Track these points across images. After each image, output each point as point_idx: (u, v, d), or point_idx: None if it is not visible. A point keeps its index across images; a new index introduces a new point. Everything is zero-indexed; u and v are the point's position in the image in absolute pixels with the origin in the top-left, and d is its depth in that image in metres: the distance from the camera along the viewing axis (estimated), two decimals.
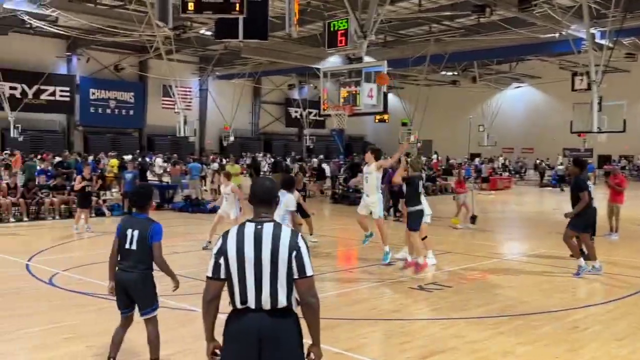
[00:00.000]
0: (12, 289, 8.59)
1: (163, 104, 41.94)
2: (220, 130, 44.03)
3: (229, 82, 41.90)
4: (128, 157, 25.20)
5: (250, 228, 3.39)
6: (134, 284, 5.20)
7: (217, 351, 3.46)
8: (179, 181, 20.78)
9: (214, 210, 17.61)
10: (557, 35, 25.14)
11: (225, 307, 3.47)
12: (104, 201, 18.06)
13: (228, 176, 12.02)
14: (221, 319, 3.46)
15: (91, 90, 39.70)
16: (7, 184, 15.92)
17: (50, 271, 9.58)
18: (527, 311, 7.82)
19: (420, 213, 10.08)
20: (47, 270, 9.62)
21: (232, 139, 41.75)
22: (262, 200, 3.50)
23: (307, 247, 3.44)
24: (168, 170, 23.98)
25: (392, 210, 17.36)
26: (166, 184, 21.15)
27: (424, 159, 20.99)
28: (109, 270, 5.38)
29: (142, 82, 41.59)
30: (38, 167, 18.76)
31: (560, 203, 24.36)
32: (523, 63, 39.35)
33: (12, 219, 15.27)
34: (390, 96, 42.01)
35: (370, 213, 10.50)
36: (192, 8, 14.95)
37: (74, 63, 38.35)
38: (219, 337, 3.48)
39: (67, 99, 38.37)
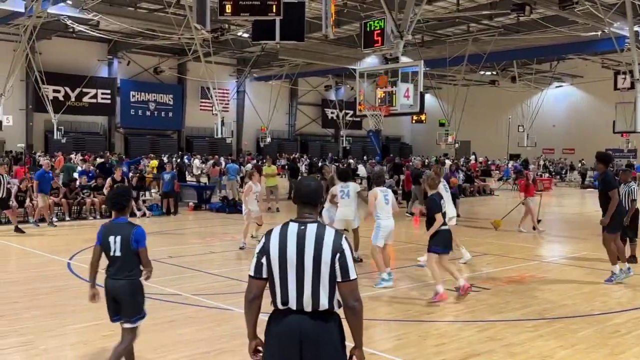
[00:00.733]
0: (55, 288, 8.82)
1: (201, 105, 42.53)
2: (257, 132, 44.39)
3: (266, 83, 42.25)
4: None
5: (293, 228, 3.34)
6: (122, 292, 5.04)
7: (260, 348, 3.44)
8: (218, 182, 21.00)
9: None
10: (599, 33, 24.58)
11: (267, 306, 3.46)
12: (144, 201, 18.38)
13: (260, 172, 12.09)
14: (262, 318, 3.45)
15: (131, 92, 40.53)
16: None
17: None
18: (566, 314, 7.66)
19: (445, 234, 8.49)
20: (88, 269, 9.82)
21: (268, 140, 42.06)
22: (307, 201, 3.45)
23: (351, 250, 3.37)
24: (205, 171, 24.26)
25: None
26: (204, 185, 21.41)
27: (449, 163, 20.69)
28: (89, 278, 5.24)
29: (181, 84, 42.23)
30: (79, 168, 19.19)
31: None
32: (564, 62, 38.55)
33: (55, 219, 15.66)
34: (428, 96, 41.73)
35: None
36: (230, 10, 15.13)
37: (114, 66, 39.20)
38: (261, 335, 3.47)
39: (108, 101, 39.27)
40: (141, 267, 5.13)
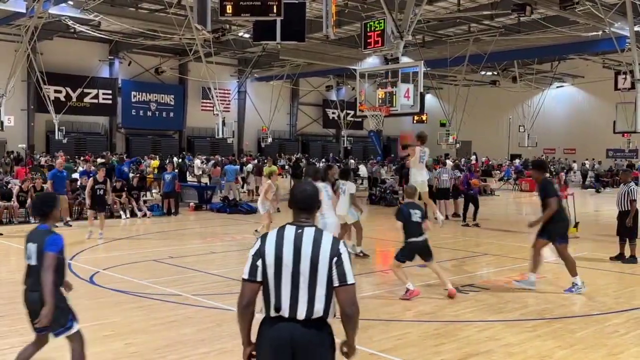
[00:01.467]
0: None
1: (202, 106, 42.56)
2: (258, 132, 44.42)
3: (267, 83, 42.27)
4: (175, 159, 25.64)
5: (290, 231, 3.29)
6: (38, 305, 4.63)
7: (254, 353, 3.38)
8: (218, 182, 21.04)
9: (252, 210, 17.89)
10: (599, 33, 24.58)
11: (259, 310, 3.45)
12: (145, 202, 18.42)
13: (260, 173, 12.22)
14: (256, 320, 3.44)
15: (132, 92, 40.57)
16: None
17: (92, 270, 9.84)
18: (565, 314, 7.69)
19: (411, 246, 8.46)
20: (89, 269, 9.88)
21: (270, 140, 42.09)
22: (303, 207, 3.39)
23: (349, 254, 3.33)
24: (207, 171, 24.30)
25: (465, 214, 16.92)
26: (205, 185, 21.44)
27: (450, 163, 20.57)
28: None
29: (182, 84, 42.27)
30: (81, 169, 19.22)
31: (600, 205, 23.86)
32: (565, 62, 38.55)
33: (69, 218, 15.71)
34: (429, 96, 41.80)
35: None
36: (230, 11, 15.17)
37: (116, 66, 39.25)
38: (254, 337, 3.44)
39: (110, 101, 39.31)
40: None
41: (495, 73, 39.41)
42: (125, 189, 17.56)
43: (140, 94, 40.92)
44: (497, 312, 7.77)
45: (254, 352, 3.39)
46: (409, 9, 14.25)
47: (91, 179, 13.97)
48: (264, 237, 3.37)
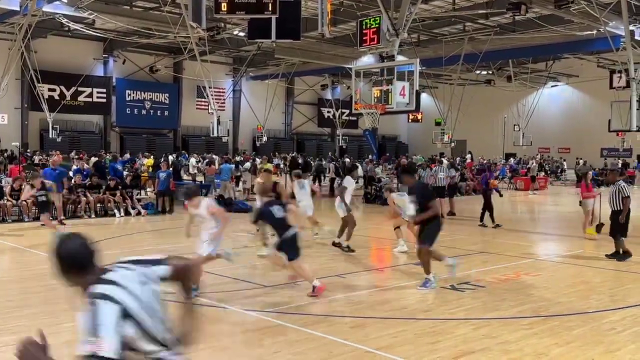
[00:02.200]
0: (49, 286, 8.75)
1: (197, 104, 42.45)
2: (253, 131, 44.33)
3: (262, 82, 42.18)
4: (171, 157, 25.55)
5: None
6: None
7: None
8: (213, 181, 20.98)
9: (246, 209, 17.84)
10: (594, 32, 24.63)
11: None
12: (139, 200, 18.34)
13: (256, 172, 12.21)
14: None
15: (127, 91, 40.41)
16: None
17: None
18: (561, 312, 7.67)
19: (289, 241, 8.16)
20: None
21: (265, 139, 42.01)
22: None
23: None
24: (202, 169, 24.23)
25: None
26: (200, 183, 21.37)
27: (446, 162, 20.56)
28: None
29: (177, 83, 42.14)
30: (74, 167, 19.12)
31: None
32: (559, 61, 38.64)
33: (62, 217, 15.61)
34: (424, 96, 41.83)
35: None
36: (225, 9, 15.13)
37: (110, 65, 39.09)
38: None
39: (104, 100, 39.14)
40: None
41: (490, 72, 39.47)
42: (120, 187, 17.45)
43: (135, 92, 40.76)
44: (493, 310, 7.74)
45: None
46: (405, 6, 14.23)
47: (28, 185, 13.54)
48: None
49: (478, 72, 38.42)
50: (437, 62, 30.20)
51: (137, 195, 18.54)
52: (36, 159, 26.33)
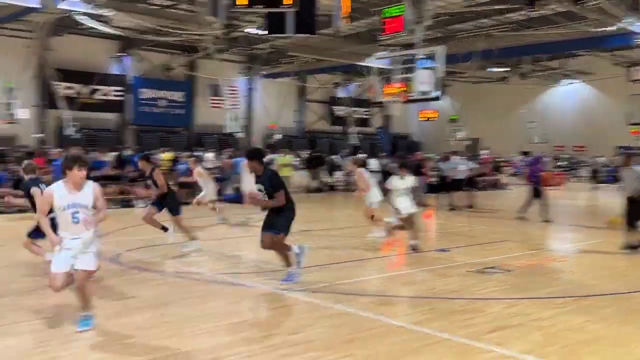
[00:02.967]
0: None
1: (211, 102, 42.62)
2: (266, 129, 44.47)
3: (275, 81, 42.26)
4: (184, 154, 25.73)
5: None
6: None
7: None
8: (230, 174, 21.07)
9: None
10: (611, 28, 24.48)
11: None
12: None
13: (357, 164, 12.47)
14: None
15: (142, 89, 40.61)
16: None
17: (115, 251, 9.88)
18: (593, 293, 7.68)
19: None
20: (112, 251, 9.92)
21: (278, 137, 42.11)
22: None
23: None
24: (219, 164, 24.36)
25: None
26: (217, 177, 21.50)
27: (458, 159, 20.30)
28: None
29: (191, 81, 42.32)
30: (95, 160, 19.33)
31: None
32: (574, 59, 38.42)
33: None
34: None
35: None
36: (244, 2, 15.17)
37: (126, 63, 39.33)
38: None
39: (120, 98, 39.38)
40: None
41: (505, 69, 39.34)
42: (139, 179, 17.61)
43: (150, 90, 40.96)
44: (524, 291, 7.76)
45: None
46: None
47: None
48: None
49: (493, 69, 38.28)
50: (452, 59, 30.03)
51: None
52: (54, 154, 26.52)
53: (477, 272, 8.90)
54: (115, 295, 7.18)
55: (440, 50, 12.62)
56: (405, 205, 10.27)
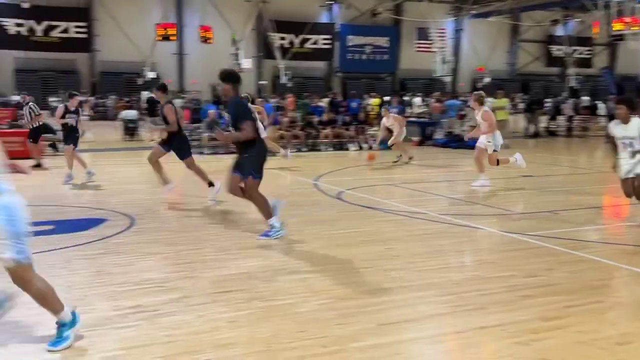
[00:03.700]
0: (310, 201, 9.38)
1: (417, 47, 42.05)
2: (473, 72, 42.84)
3: (485, 20, 40.27)
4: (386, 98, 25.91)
5: None
6: None
7: None
8: (439, 119, 20.67)
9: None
10: None
11: None
12: (372, 136, 18.70)
13: (480, 101, 10.88)
14: None
15: (349, 37, 41.42)
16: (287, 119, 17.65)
17: (336, 189, 10.24)
18: None
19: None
20: (334, 189, 10.31)
21: (486, 80, 40.33)
22: None
23: None
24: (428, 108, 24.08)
25: None
26: (426, 121, 21.27)
27: None
28: None
29: (397, 26, 42.05)
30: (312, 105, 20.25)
31: None
32: None
33: (289, 151, 16.72)
34: None
35: None
36: None
37: (334, 11, 40.25)
38: None
39: (328, 46, 40.64)
40: None
41: None
42: (353, 123, 18.13)
43: (356, 37, 41.62)
44: None
45: None
46: None
47: (62, 106, 11.62)
48: None
49: None
50: None
51: (367, 131, 19.03)
52: (272, 101, 28.32)
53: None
54: (342, 228, 7.42)
55: None
56: (625, 166, 7.39)
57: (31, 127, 13.88)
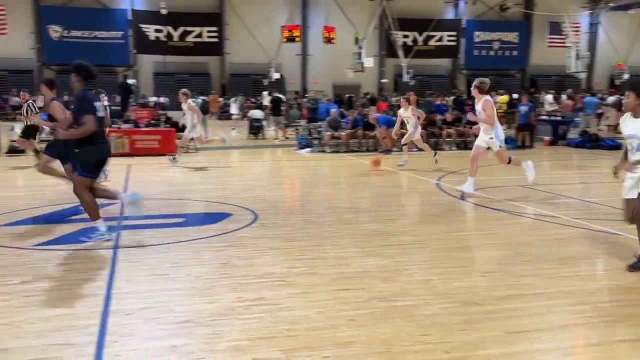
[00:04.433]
0: (430, 202, 9.18)
1: (549, 42, 40.01)
2: (611, 68, 40.02)
3: (625, 13, 37.49)
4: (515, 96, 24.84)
5: None
6: None
7: None
8: (572, 117, 19.46)
9: (615, 146, 16.05)
10: None
11: None
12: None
13: (481, 90, 10.12)
14: None
15: (475, 33, 40.24)
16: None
17: (462, 190, 9.88)
18: None
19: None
20: (457, 190, 9.96)
21: (626, 76, 37.48)
22: None
23: None
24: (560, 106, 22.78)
25: None
26: (560, 119, 20.06)
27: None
28: None
29: (527, 20, 40.26)
30: (437, 103, 19.86)
31: None
32: None
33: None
34: None
35: None
36: None
37: (460, 7, 39.27)
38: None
39: (453, 43, 39.72)
40: None
41: None
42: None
43: (484, 33, 40.34)
44: None
45: None
46: None
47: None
48: None
49: None
50: None
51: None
52: (393, 100, 28.13)
53: None
54: (471, 229, 7.16)
55: None
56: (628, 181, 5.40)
57: (26, 123, 13.94)
